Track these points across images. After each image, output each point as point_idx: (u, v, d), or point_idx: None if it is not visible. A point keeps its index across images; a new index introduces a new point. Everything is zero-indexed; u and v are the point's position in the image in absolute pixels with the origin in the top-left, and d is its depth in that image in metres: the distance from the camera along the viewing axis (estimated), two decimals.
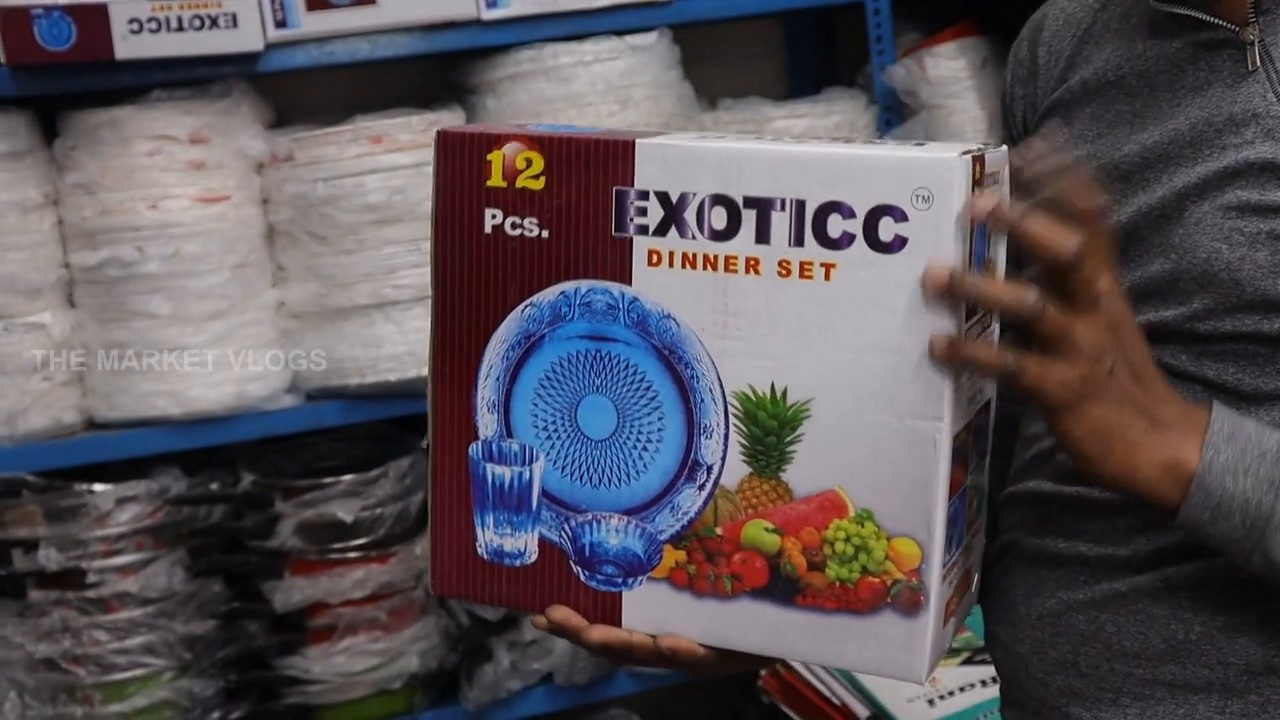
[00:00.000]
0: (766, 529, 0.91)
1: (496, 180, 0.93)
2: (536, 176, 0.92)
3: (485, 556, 0.99)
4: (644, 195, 0.89)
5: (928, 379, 0.85)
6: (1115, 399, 0.86)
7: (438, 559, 1.00)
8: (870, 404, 0.86)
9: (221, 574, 2.10)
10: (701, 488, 0.92)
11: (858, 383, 0.87)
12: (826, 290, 0.86)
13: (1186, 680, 0.98)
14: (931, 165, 0.83)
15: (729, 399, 0.90)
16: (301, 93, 2.33)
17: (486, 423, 0.97)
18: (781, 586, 0.91)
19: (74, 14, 1.91)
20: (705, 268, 0.89)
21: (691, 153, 0.89)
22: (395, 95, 2.22)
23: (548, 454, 0.95)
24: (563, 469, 0.95)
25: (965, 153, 0.85)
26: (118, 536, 2.03)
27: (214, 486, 2.11)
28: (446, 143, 0.94)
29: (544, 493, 0.96)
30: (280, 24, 2.03)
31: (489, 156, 0.92)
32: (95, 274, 2.03)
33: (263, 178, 2.12)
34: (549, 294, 0.93)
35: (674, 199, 0.89)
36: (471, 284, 0.95)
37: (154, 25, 1.94)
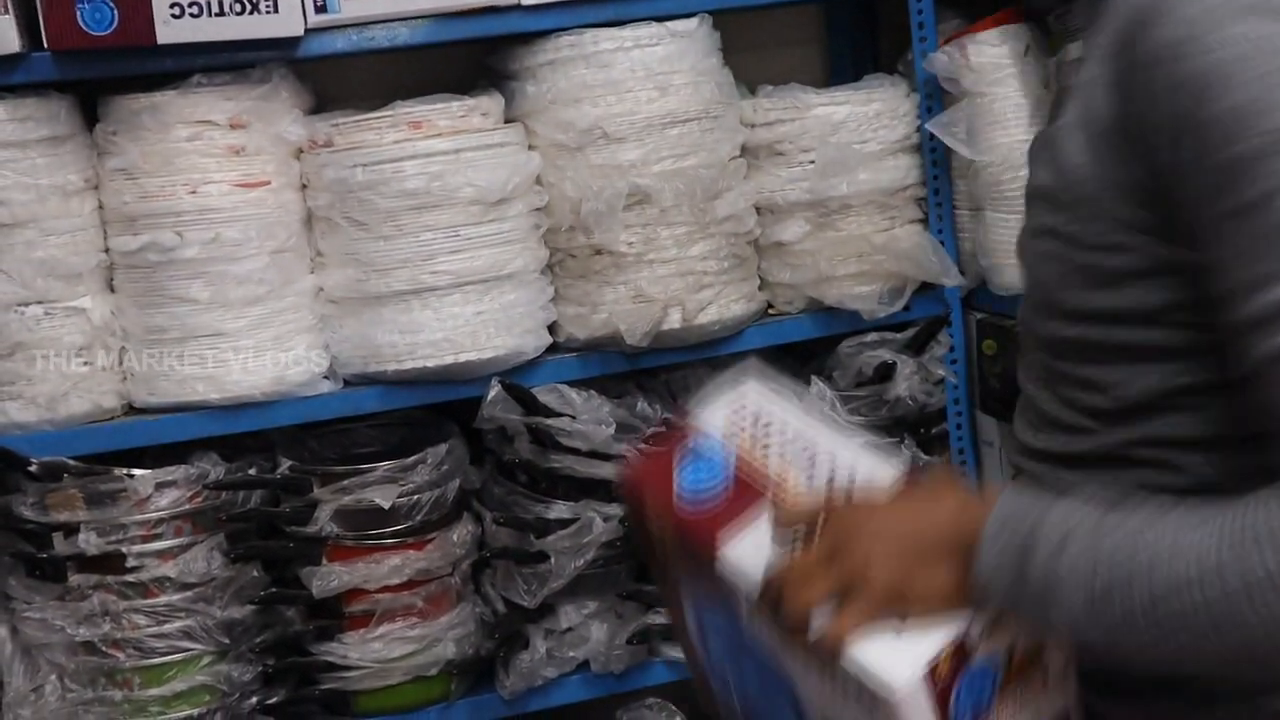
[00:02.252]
0: None
1: (650, 510, 1.16)
2: (670, 529, 1.14)
3: (705, 681, 1.24)
4: (731, 580, 1.09)
5: None
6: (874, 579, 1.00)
7: (686, 653, 1.28)
8: None
9: (259, 559, 2.10)
10: None
11: None
12: (845, 701, 1.03)
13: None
14: (885, 686, 0.98)
15: (816, 713, 1.08)
16: (341, 78, 2.33)
17: (689, 617, 1.21)
18: None
19: None
20: (778, 638, 1.06)
21: (743, 574, 1.08)
22: (434, 80, 2.21)
23: (729, 664, 1.18)
24: (738, 679, 1.17)
25: (934, 661, 0.99)
26: (157, 521, 2.03)
27: (252, 472, 2.11)
28: (622, 484, 1.27)
29: (731, 679, 1.18)
30: (320, 9, 2.03)
31: (642, 497, 1.16)
32: (135, 259, 2.04)
33: (302, 163, 2.12)
34: (703, 587, 1.15)
35: (743, 595, 1.08)
36: (655, 546, 1.19)
37: (195, 10, 1.94)
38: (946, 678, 0.99)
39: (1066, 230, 1.02)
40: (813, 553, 1.03)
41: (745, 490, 1.12)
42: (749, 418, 1.17)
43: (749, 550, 1.07)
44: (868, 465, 1.12)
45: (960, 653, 0.99)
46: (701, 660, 1.23)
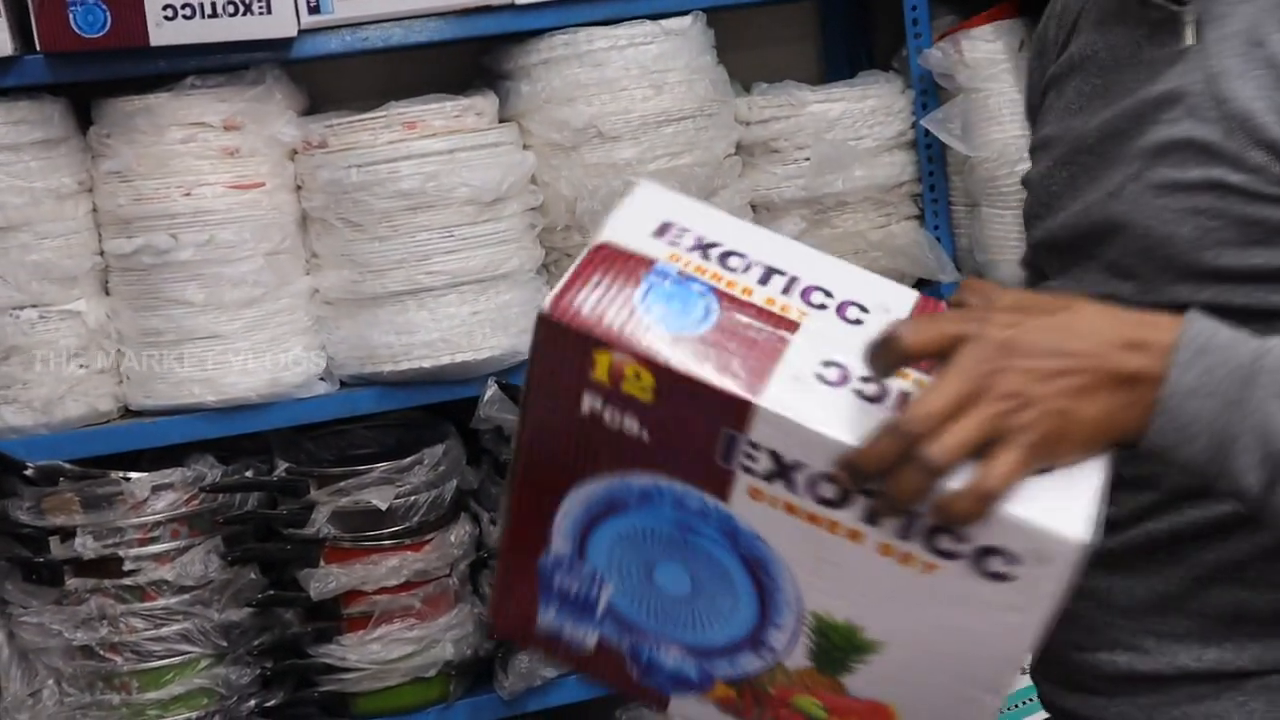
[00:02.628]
0: (816, 705, 0.93)
1: (600, 376, 0.86)
2: (644, 390, 0.85)
3: (544, 632, 0.98)
4: (755, 446, 0.84)
5: (1000, 663, 0.87)
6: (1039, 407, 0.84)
7: (499, 615, 1.00)
8: (936, 665, 0.88)
9: (256, 561, 2.10)
10: (762, 658, 0.93)
11: (929, 648, 0.88)
12: (921, 579, 0.85)
13: (1169, 631, 1.05)
14: (1060, 544, 0.82)
15: (804, 613, 0.90)
16: (335, 79, 2.33)
17: (560, 543, 0.94)
18: None
19: (109, 1, 1.90)
20: (807, 521, 0.86)
21: (819, 438, 0.83)
22: (428, 80, 2.21)
23: (617, 586, 0.94)
24: (630, 600, 0.94)
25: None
26: (153, 524, 2.03)
27: (249, 474, 2.11)
28: (548, 328, 0.86)
29: (609, 609, 0.95)
30: (314, 9, 2.03)
31: (595, 354, 0.85)
32: (130, 261, 2.04)
33: (296, 164, 2.11)
34: (641, 479, 0.89)
35: (786, 460, 0.84)
36: (561, 442, 0.90)
37: (188, 11, 1.93)
38: None
39: (1229, 181, 0.96)
40: (947, 389, 0.82)
41: (749, 324, 0.86)
42: (687, 240, 0.90)
43: (794, 398, 0.83)
44: (874, 292, 0.90)
45: None
46: (549, 575, 0.96)
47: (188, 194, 2.01)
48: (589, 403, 0.87)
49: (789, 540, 0.87)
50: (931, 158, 2.38)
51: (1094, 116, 1.09)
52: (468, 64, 2.31)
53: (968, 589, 0.84)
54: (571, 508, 0.92)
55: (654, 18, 2.16)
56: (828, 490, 0.84)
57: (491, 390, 2.08)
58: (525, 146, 2.16)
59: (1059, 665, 1.13)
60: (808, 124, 2.28)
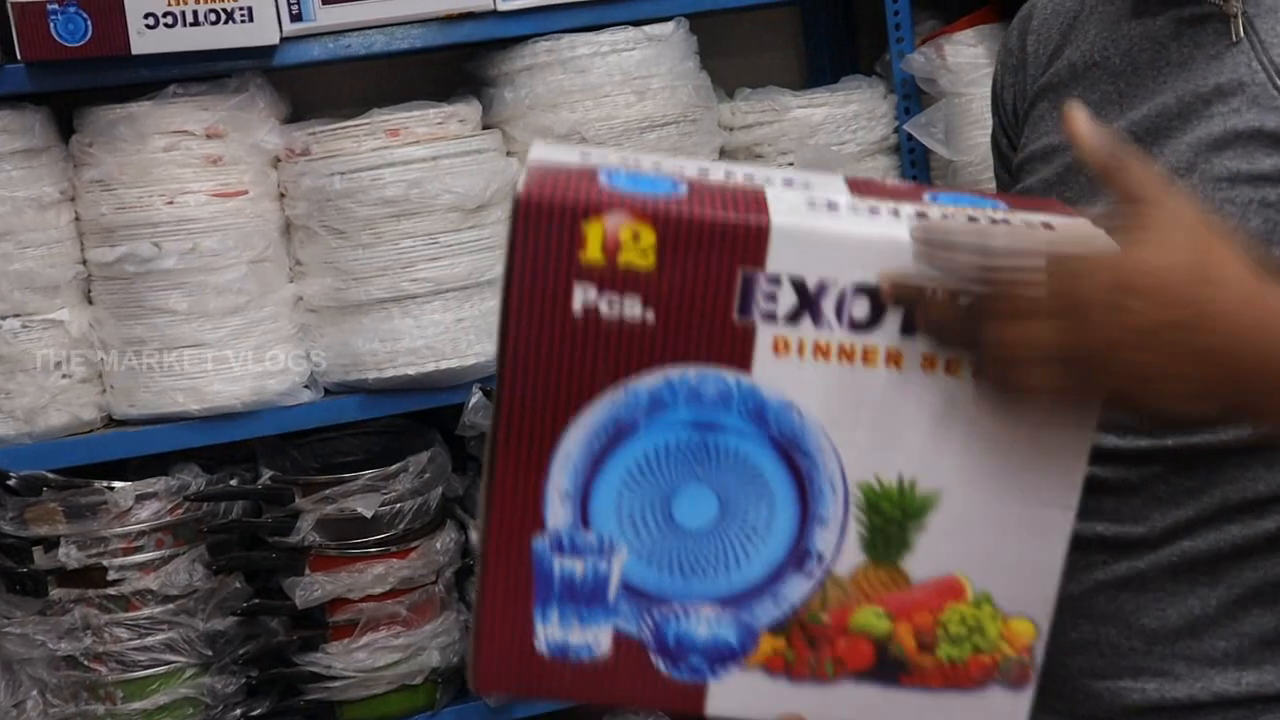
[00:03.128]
0: (877, 614, 0.87)
1: (593, 254, 0.79)
2: (645, 253, 0.80)
3: (545, 652, 0.87)
4: (775, 280, 0.80)
5: (1065, 468, 0.84)
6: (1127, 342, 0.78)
7: (483, 657, 0.88)
8: (1002, 493, 0.84)
9: (241, 570, 2.09)
10: (810, 575, 0.86)
11: (992, 473, 0.84)
12: (970, 393, 0.82)
13: (1204, 654, 1.00)
14: None
15: (851, 489, 0.84)
16: (317, 86, 2.32)
17: (557, 513, 0.85)
18: (888, 667, 0.87)
19: (89, 9, 1.90)
20: (839, 359, 0.81)
21: (840, 240, 0.80)
22: (411, 88, 2.21)
23: (631, 546, 0.85)
24: (649, 560, 0.86)
25: None
26: (138, 533, 2.02)
27: (233, 483, 2.11)
28: (528, 212, 0.79)
29: (624, 584, 0.86)
30: (296, 17, 2.03)
31: (585, 227, 0.79)
32: (113, 270, 2.03)
33: (279, 172, 2.11)
34: (650, 380, 0.82)
35: (811, 286, 0.80)
36: (551, 365, 0.81)
37: (169, 20, 1.93)
38: None
39: None
40: (1030, 289, 0.77)
41: (720, 187, 0.82)
42: (613, 159, 0.85)
43: (806, 216, 0.80)
44: (796, 174, 0.87)
45: None
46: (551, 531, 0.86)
47: (170, 202, 2.01)
48: (581, 297, 0.80)
49: (824, 394, 0.82)
50: (914, 162, 2.38)
51: (1116, 119, 1.06)
52: (451, 71, 2.31)
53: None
54: (569, 453, 0.83)
55: (637, 24, 2.16)
56: (860, 309, 0.80)
57: (476, 397, 2.08)
58: (509, 153, 2.16)
59: (1069, 697, 1.06)
60: (791, 129, 2.29)
